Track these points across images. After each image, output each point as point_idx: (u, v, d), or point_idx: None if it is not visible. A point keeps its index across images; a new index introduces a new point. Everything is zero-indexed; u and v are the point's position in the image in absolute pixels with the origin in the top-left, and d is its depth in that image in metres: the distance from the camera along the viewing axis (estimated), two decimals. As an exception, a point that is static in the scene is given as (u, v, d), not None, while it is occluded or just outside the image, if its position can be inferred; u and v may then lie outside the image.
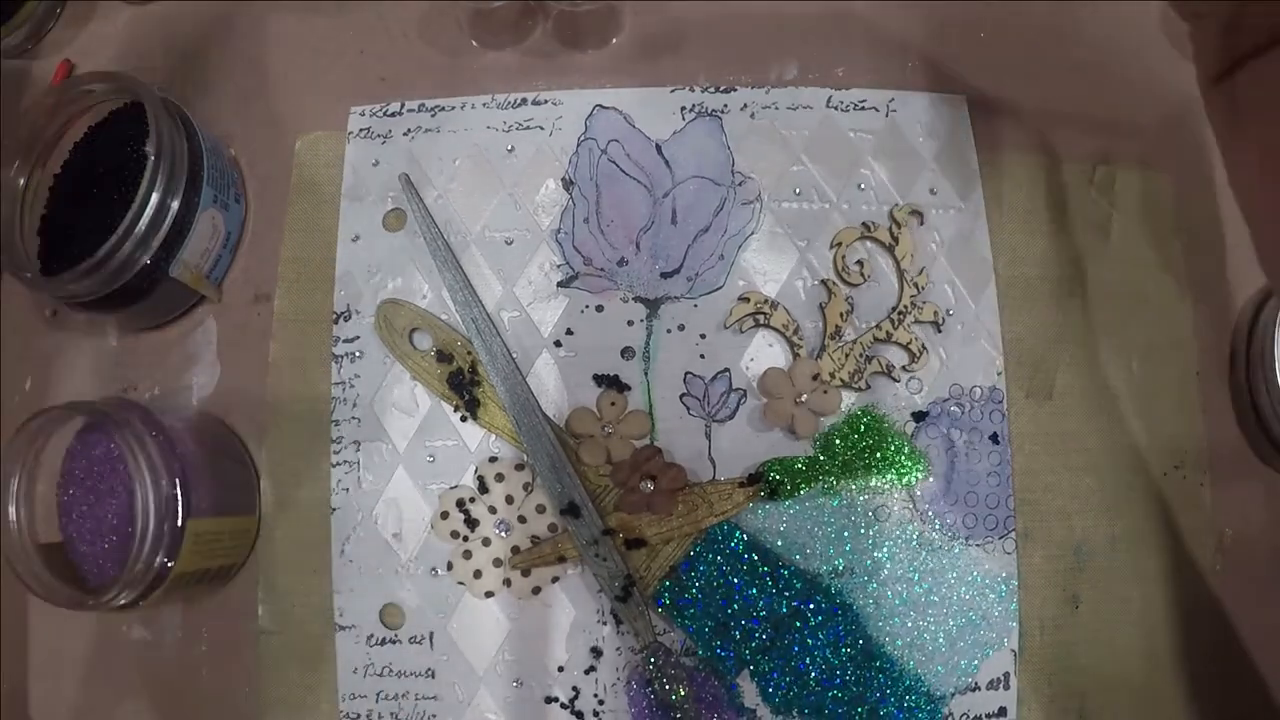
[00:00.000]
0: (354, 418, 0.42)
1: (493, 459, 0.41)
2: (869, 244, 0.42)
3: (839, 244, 0.42)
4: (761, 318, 0.41)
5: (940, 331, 0.41)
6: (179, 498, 0.36)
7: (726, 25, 0.45)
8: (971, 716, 0.39)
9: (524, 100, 0.44)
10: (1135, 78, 0.45)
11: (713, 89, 0.44)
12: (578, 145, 0.43)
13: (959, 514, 0.40)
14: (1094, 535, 0.40)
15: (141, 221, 0.39)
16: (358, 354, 0.42)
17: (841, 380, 0.40)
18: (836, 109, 0.43)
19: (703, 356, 0.41)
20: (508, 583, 0.40)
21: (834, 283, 0.41)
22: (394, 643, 0.40)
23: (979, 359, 0.41)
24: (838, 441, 0.40)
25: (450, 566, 0.40)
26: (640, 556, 0.39)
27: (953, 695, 0.39)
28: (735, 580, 0.39)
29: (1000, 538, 0.40)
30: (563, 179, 0.43)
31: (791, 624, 0.39)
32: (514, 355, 0.41)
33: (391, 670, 0.40)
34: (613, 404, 0.40)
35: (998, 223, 0.43)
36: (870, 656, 0.39)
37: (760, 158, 0.43)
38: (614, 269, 0.42)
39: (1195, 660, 0.40)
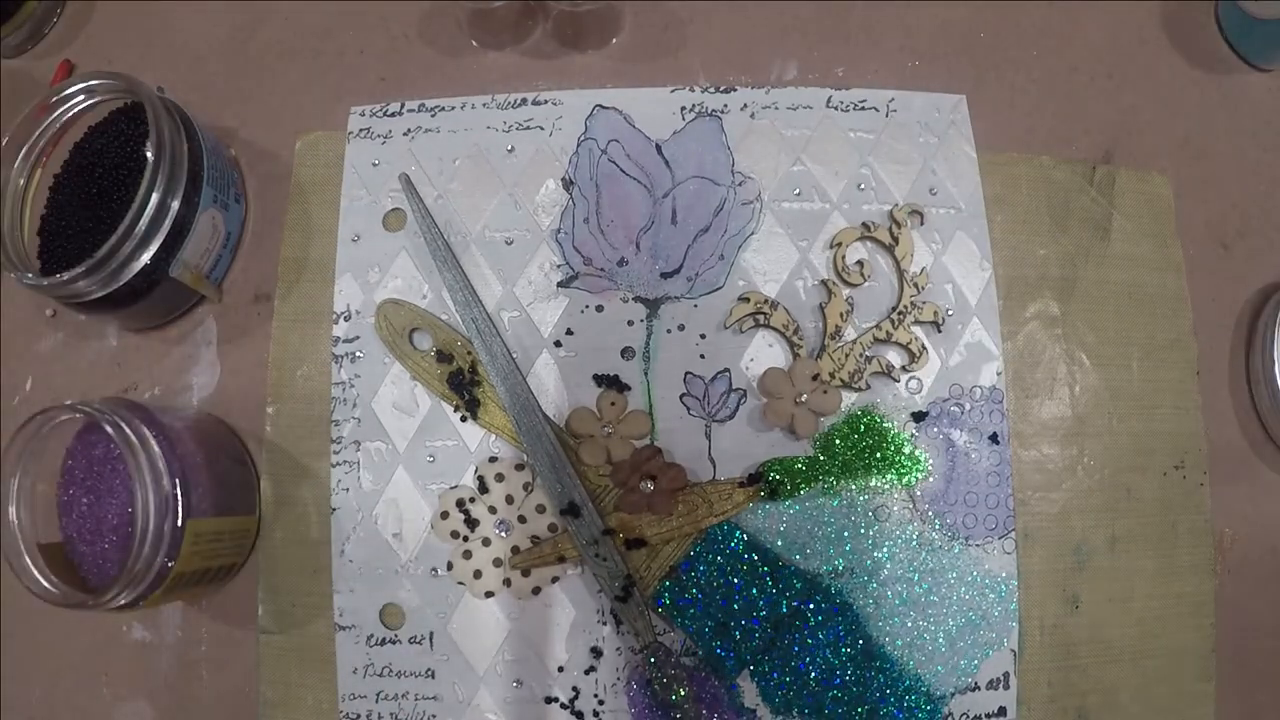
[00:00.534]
0: (354, 418, 0.42)
1: (493, 459, 0.41)
2: (869, 244, 0.42)
3: (839, 244, 0.42)
4: (761, 318, 0.41)
5: (940, 331, 0.41)
6: (179, 498, 0.36)
7: (726, 25, 0.45)
8: (971, 716, 0.39)
9: (524, 100, 0.44)
10: (1135, 78, 0.45)
11: (713, 89, 0.44)
12: (578, 145, 0.43)
13: (959, 514, 0.40)
14: (1094, 535, 0.40)
15: (141, 221, 0.39)
16: (358, 354, 0.42)
17: (841, 380, 0.40)
18: (836, 109, 0.43)
19: (703, 356, 0.41)
20: (508, 583, 0.40)
21: (834, 283, 0.41)
22: (394, 643, 0.40)
23: (979, 359, 0.41)
24: (838, 441, 0.40)
25: (450, 566, 0.40)
26: (640, 556, 0.39)
27: (953, 695, 0.39)
28: (735, 580, 0.39)
29: (1000, 538, 0.40)
30: (563, 179, 0.43)
31: (791, 624, 0.39)
32: (514, 355, 0.41)
33: (391, 670, 0.40)
34: (613, 404, 0.40)
35: (997, 223, 0.43)
36: (870, 656, 0.39)
37: (760, 158, 0.43)
38: (614, 269, 0.42)
39: (1195, 660, 0.40)
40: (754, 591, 0.39)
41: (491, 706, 0.39)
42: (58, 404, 0.37)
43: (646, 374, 0.41)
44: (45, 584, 0.36)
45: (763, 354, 0.41)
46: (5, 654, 0.42)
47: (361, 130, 0.44)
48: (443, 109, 0.44)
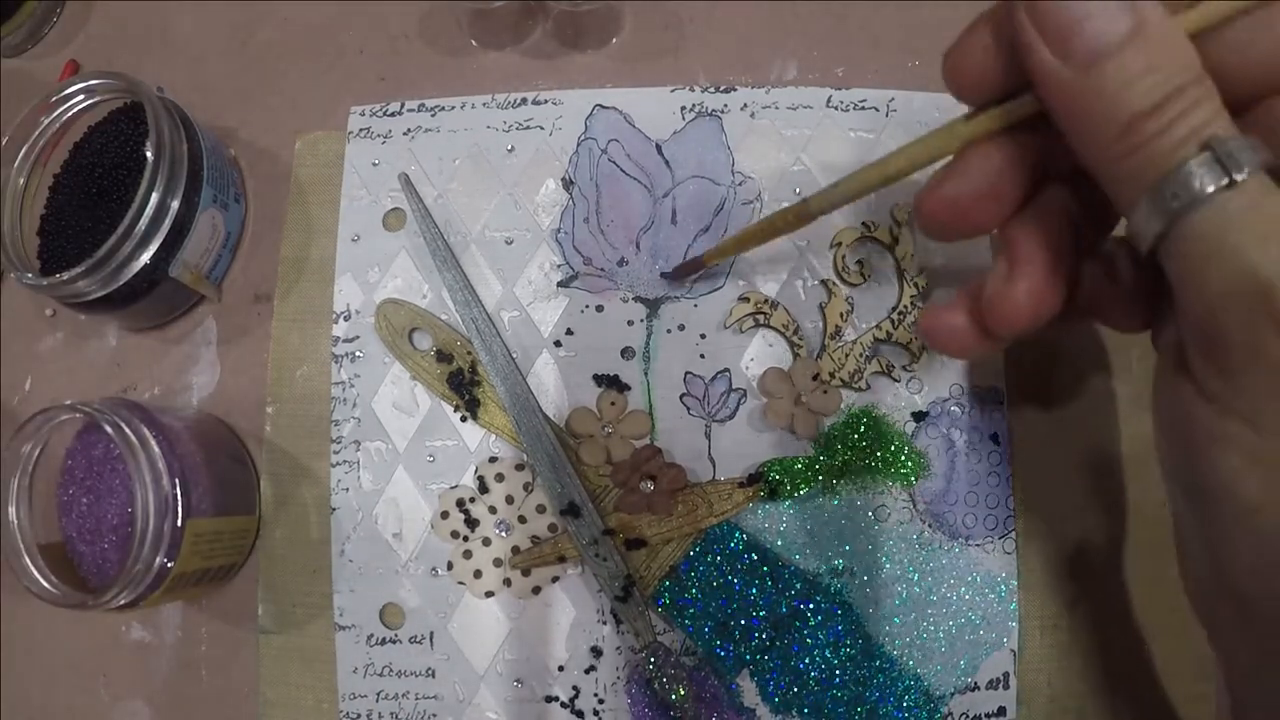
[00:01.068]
0: (354, 418, 0.42)
1: (493, 459, 0.41)
2: (869, 244, 0.42)
3: (839, 244, 0.42)
4: (761, 318, 0.41)
5: (940, 331, 0.41)
6: (179, 498, 0.36)
7: (726, 25, 0.45)
8: (971, 716, 0.39)
9: (524, 100, 0.44)
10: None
11: (713, 89, 0.44)
12: (578, 145, 0.43)
13: (959, 514, 0.40)
14: (1094, 535, 0.40)
15: (141, 221, 0.39)
16: (358, 354, 0.42)
17: (841, 380, 0.40)
18: (836, 109, 0.43)
19: (703, 356, 0.41)
20: (508, 582, 0.40)
21: (834, 283, 0.41)
22: (394, 642, 0.40)
23: (980, 358, 0.41)
24: (838, 441, 0.40)
25: (450, 566, 0.40)
26: (640, 556, 0.39)
27: (952, 695, 0.39)
28: (735, 580, 0.39)
29: (1000, 538, 0.40)
30: (563, 179, 0.43)
31: (791, 624, 0.39)
32: (514, 355, 0.41)
33: (392, 670, 0.40)
34: (613, 404, 0.40)
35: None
36: (870, 656, 0.39)
37: (760, 158, 0.43)
38: (614, 269, 0.42)
39: (1195, 661, 0.40)
40: (753, 591, 0.39)
41: (492, 705, 0.39)
42: (58, 404, 0.37)
43: (646, 374, 0.41)
44: (45, 584, 0.36)
45: (763, 354, 0.41)
46: (5, 654, 0.42)
47: (361, 130, 0.44)
48: (443, 109, 0.44)
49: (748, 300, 0.41)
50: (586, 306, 0.42)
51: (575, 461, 0.40)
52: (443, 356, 0.41)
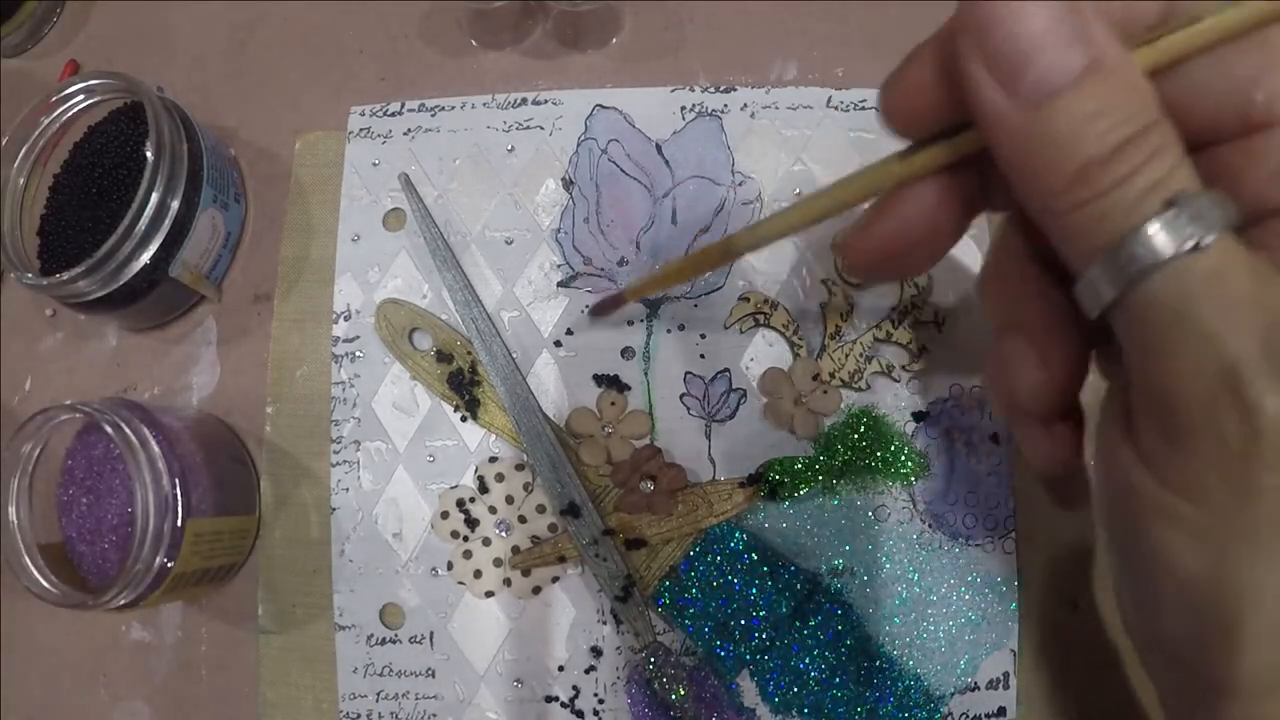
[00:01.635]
0: (354, 417, 0.42)
1: (493, 459, 0.41)
2: (869, 244, 0.42)
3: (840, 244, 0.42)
4: (761, 318, 0.41)
5: (941, 332, 0.41)
6: (179, 498, 0.36)
7: (726, 25, 0.45)
8: (971, 716, 0.39)
9: (524, 100, 0.44)
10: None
11: (713, 89, 0.44)
12: (578, 145, 0.43)
13: (959, 514, 0.40)
14: (1094, 535, 0.40)
15: (141, 221, 0.39)
16: (358, 354, 0.42)
17: (841, 380, 0.40)
18: (836, 109, 0.43)
19: (703, 356, 0.41)
20: (508, 582, 0.40)
21: (834, 283, 0.41)
22: (394, 642, 0.40)
23: (979, 359, 0.41)
24: (838, 442, 0.40)
25: (450, 566, 0.40)
26: (640, 556, 0.39)
27: (952, 695, 0.39)
28: (735, 580, 0.39)
29: (1000, 538, 0.40)
30: (563, 179, 0.43)
31: (791, 624, 0.39)
32: (514, 355, 0.41)
33: (392, 670, 0.40)
34: (613, 404, 0.40)
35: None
36: (870, 656, 0.39)
37: (760, 158, 0.43)
38: (614, 269, 0.42)
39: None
40: (753, 591, 0.39)
41: (492, 705, 0.39)
42: (58, 404, 0.37)
43: (646, 374, 0.41)
44: (45, 584, 0.36)
45: (763, 354, 0.41)
46: (5, 654, 0.42)
47: (361, 130, 0.44)
48: (443, 109, 0.44)
49: (748, 300, 0.41)
50: (586, 306, 0.42)
51: (575, 461, 0.40)
52: (443, 356, 0.41)
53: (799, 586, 0.39)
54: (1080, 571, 0.40)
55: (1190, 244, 0.19)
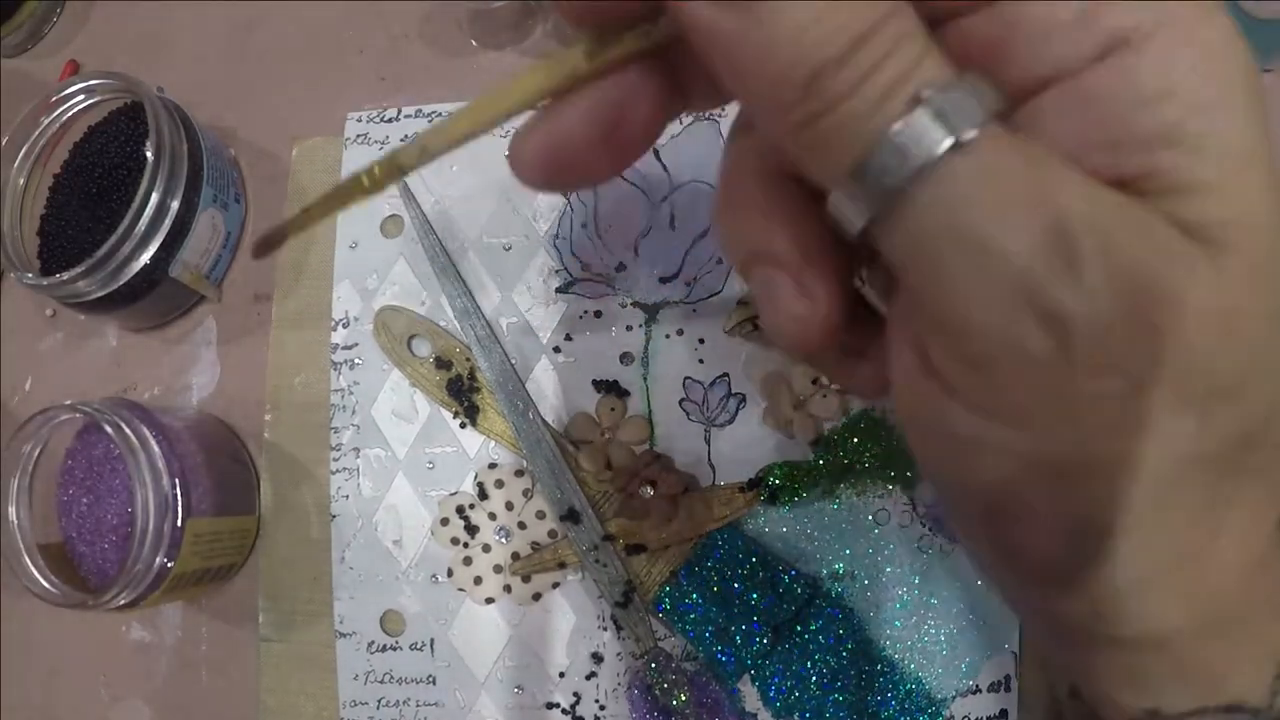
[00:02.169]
0: (353, 425, 0.41)
1: (492, 465, 0.41)
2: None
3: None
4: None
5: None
6: (179, 498, 0.36)
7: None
8: (973, 719, 0.39)
9: (524, 102, 0.44)
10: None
11: (714, 91, 0.43)
12: (578, 148, 0.43)
13: (960, 519, 0.40)
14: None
15: (141, 221, 0.39)
16: (356, 361, 0.42)
17: (842, 385, 0.40)
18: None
19: (702, 361, 0.41)
20: (508, 589, 0.40)
21: (835, 286, 0.41)
22: (394, 649, 0.40)
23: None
24: (838, 445, 0.40)
25: (450, 573, 0.40)
26: (640, 562, 0.39)
27: (954, 698, 0.39)
28: (735, 585, 0.39)
29: (1001, 543, 0.40)
30: (563, 182, 0.43)
31: (792, 628, 0.39)
32: (513, 361, 0.41)
33: (392, 677, 0.40)
34: (612, 409, 0.40)
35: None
36: (871, 660, 0.39)
37: (761, 160, 0.42)
38: (612, 274, 0.42)
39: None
40: (754, 596, 0.39)
41: (493, 712, 0.39)
42: (58, 404, 0.37)
43: (645, 379, 0.41)
44: (45, 584, 0.36)
45: (762, 358, 0.41)
46: (5, 654, 0.43)
47: (359, 136, 0.44)
48: (440, 114, 0.44)
49: (747, 304, 0.41)
50: (585, 312, 0.41)
51: (575, 467, 0.40)
52: (442, 363, 0.41)
53: (800, 591, 0.39)
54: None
55: (948, 143, 0.16)
